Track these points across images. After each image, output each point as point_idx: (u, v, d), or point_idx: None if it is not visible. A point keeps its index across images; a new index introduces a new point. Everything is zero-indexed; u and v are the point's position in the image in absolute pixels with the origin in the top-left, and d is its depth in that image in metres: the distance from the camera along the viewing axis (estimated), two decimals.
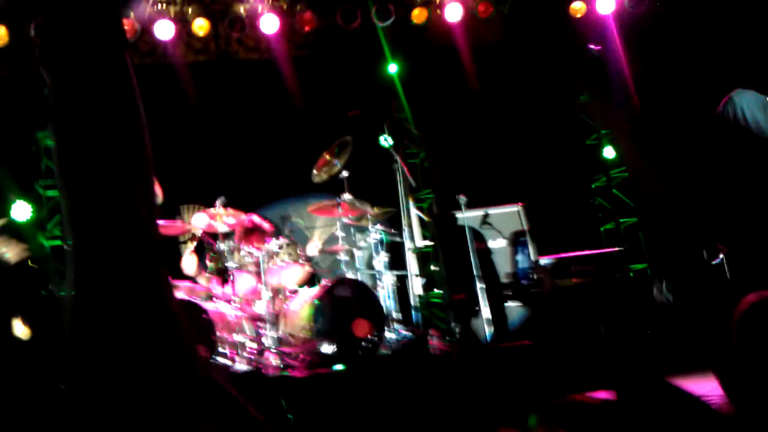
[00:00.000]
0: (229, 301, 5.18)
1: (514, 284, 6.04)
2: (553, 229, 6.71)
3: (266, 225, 5.60)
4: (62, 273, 6.10)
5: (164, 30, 6.76)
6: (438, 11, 7.29)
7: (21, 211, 6.34)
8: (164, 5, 6.85)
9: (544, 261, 5.79)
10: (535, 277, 5.86)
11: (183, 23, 6.97)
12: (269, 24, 6.96)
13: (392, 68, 7.34)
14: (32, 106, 6.34)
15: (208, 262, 5.29)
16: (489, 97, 7.39)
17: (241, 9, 7.05)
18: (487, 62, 7.29)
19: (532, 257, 6.05)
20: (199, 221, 5.26)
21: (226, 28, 7.07)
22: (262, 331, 5.11)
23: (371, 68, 7.34)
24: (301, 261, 5.37)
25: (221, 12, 7.10)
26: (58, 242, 6.45)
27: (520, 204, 6.33)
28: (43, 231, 6.53)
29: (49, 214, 6.66)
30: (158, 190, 5.18)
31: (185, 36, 7.08)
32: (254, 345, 4.96)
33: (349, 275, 5.47)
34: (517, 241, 6.16)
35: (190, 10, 6.99)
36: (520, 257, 6.14)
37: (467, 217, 5.92)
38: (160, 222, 5.10)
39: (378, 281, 5.52)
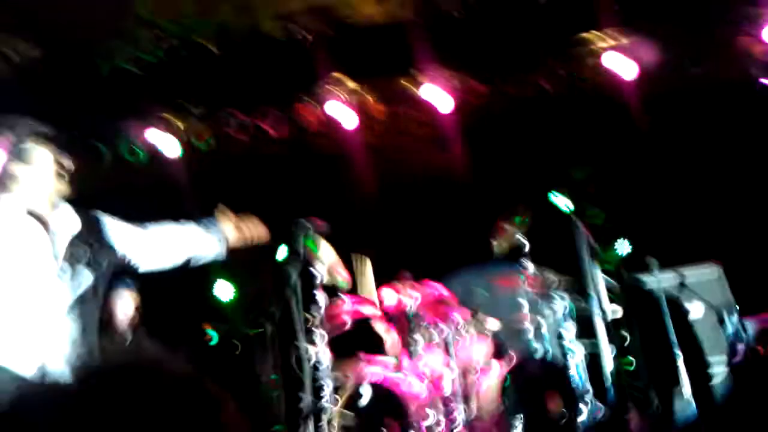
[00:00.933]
0: (419, 378, 5.26)
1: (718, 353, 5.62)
2: (757, 288, 6.20)
3: (451, 297, 5.67)
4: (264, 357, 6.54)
5: (345, 117, 7.19)
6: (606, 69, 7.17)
7: (226, 292, 6.92)
8: (345, 95, 7.29)
9: (751, 324, 5.37)
10: (745, 344, 5.43)
11: (362, 107, 7.36)
12: (442, 100, 7.19)
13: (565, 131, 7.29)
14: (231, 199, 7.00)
15: (399, 338, 5.43)
16: (671, 150, 7.08)
17: (413, 88, 7.37)
18: (664, 111, 7.04)
19: (738, 322, 5.62)
20: (388, 297, 5.44)
21: (400, 107, 7.42)
22: (452, 408, 5.12)
23: (545, 131, 7.34)
24: (487, 334, 5.37)
25: (395, 93, 7.46)
26: (261, 329, 6.98)
27: (717, 262, 5.94)
28: (246, 316, 7.07)
29: (252, 301, 7.19)
30: (346, 274, 5.45)
31: (363, 119, 7.49)
32: (445, 423, 4.99)
33: (537, 347, 5.38)
34: (719, 305, 5.75)
35: (369, 97, 7.40)
36: (724, 323, 5.71)
37: (660, 279, 5.64)
38: (354, 299, 5.35)
39: (567, 352, 5.37)
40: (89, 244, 3.23)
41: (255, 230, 3.93)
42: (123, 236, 3.47)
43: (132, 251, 3.52)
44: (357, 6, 6.81)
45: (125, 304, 4.92)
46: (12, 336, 2.95)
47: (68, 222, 3.25)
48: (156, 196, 7.08)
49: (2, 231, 3.05)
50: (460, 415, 5.00)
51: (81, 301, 3.16)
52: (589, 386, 5.30)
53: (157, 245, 3.61)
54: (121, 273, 3.71)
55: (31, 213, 3.15)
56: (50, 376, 2.95)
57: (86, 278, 3.21)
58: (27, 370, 2.93)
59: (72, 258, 3.16)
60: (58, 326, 3.05)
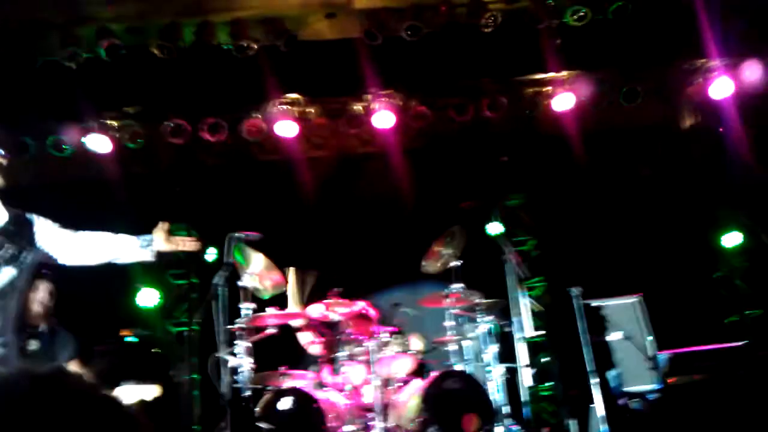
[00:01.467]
0: (339, 390, 5.28)
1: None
2: (674, 321, 6.43)
3: (372, 312, 5.72)
4: (182, 358, 6.51)
5: (287, 129, 7.21)
6: (546, 101, 7.39)
7: (148, 297, 6.83)
8: (288, 106, 7.31)
9: (663, 355, 5.55)
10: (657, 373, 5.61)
11: (305, 122, 7.41)
12: (384, 120, 7.28)
13: (502, 159, 7.45)
14: (163, 201, 6.94)
15: (321, 351, 5.45)
16: (602, 184, 7.33)
17: (358, 107, 7.44)
18: (598, 148, 7.27)
19: (650, 352, 5.81)
20: (314, 311, 5.46)
21: (345, 124, 7.47)
22: (370, 422, 5.15)
23: (482, 158, 7.49)
24: (410, 351, 5.43)
25: (339, 110, 7.52)
26: (184, 328, 6.89)
27: (638, 294, 6.14)
28: (170, 317, 6.98)
29: (174, 302, 7.12)
30: (280, 278, 5.46)
31: (306, 133, 7.52)
32: None
33: (458, 367, 5.46)
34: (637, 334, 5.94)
35: (311, 110, 7.44)
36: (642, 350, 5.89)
37: (582, 306, 5.78)
38: (280, 312, 5.35)
39: (487, 373, 5.46)
40: (13, 240, 3.21)
41: (186, 242, 3.96)
42: (49, 236, 3.48)
43: (56, 251, 3.53)
44: (307, 21, 6.86)
45: (41, 294, 4.80)
46: None
47: None
48: (82, 193, 6.97)
49: None
50: (377, 428, 5.02)
51: (4, 294, 3.12)
52: (506, 406, 5.39)
53: (82, 248, 3.63)
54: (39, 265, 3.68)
55: None
56: None
57: (6, 273, 3.18)
58: None
59: None
60: None
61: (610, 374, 5.85)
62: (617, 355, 5.94)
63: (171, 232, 3.93)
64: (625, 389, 5.75)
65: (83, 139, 6.86)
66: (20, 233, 3.29)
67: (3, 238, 3.19)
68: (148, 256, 3.87)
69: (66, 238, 3.57)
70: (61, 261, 3.60)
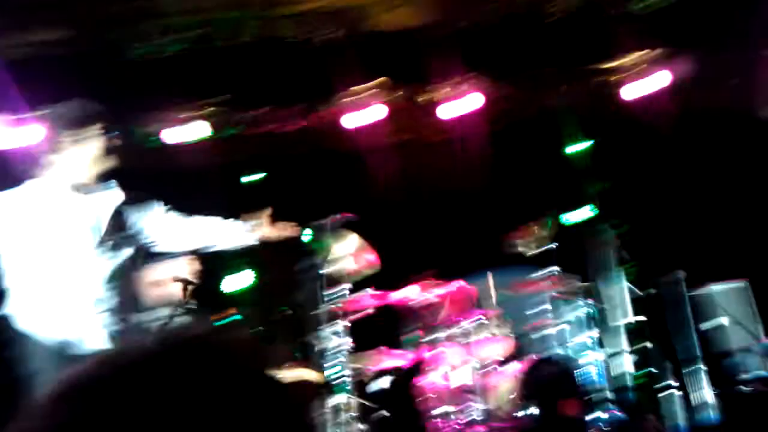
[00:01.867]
0: (436, 371, 5.26)
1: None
2: None
3: (474, 296, 5.68)
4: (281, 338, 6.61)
5: (360, 118, 7.23)
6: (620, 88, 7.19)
7: (242, 280, 6.99)
8: (361, 95, 7.30)
9: None
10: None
11: (376, 110, 7.36)
12: (454, 109, 7.22)
13: (583, 144, 7.31)
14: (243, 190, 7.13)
15: (418, 332, 5.45)
16: (700, 166, 7.04)
17: (428, 95, 7.40)
18: (694, 130, 7.01)
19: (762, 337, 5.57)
20: (412, 293, 5.46)
21: (415, 113, 7.45)
22: (468, 404, 5.12)
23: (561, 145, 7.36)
24: (508, 334, 5.37)
25: (409, 98, 7.47)
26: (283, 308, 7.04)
27: (744, 279, 5.89)
28: (268, 298, 7.11)
29: (272, 283, 7.25)
30: (377, 260, 5.49)
31: (378, 122, 7.51)
32: (461, 416, 4.98)
33: (557, 351, 5.36)
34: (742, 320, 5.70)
35: (382, 98, 7.40)
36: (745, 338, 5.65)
37: (687, 291, 5.61)
38: (377, 293, 5.38)
39: (585, 358, 5.34)
40: (129, 220, 3.33)
41: (283, 228, 4.04)
42: (159, 218, 3.61)
43: (166, 233, 3.65)
44: (373, 11, 6.83)
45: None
46: (54, 306, 3.04)
47: (111, 198, 3.35)
48: (173, 182, 7.17)
49: (46, 205, 3.14)
50: (474, 410, 4.98)
51: (119, 274, 3.24)
52: (608, 392, 5.26)
53: (190, 232, 3.74)
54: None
55: (75, 188, 3.24)
56: (89, 345, 3.04)
57: (125, 252, 3.30)
58: (68, 340, 3.01)
59: (113, 232, 3.25)
60: (97, 296, 3.13)
61: (725, 361, 5.63)
62: (724, 342, 5.71)
63: (273, 218, 4.01)
64: (739, 376, 5.52)
65: (173, 130, 7.06)
66: (134, 215, 3.41)
67: (119, 219, 3.31)
68: (252, 241, 3.96)
69: (176, 222, 3.69)
70: (168, 243, 3.71)
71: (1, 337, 3.13)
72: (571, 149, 7.45)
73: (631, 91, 7.13)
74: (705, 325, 5.62)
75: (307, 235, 6.99)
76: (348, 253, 5.46)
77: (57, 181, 3.22)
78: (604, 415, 4.95)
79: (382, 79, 7.29)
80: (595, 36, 6.86)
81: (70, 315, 3.06)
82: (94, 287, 3.13)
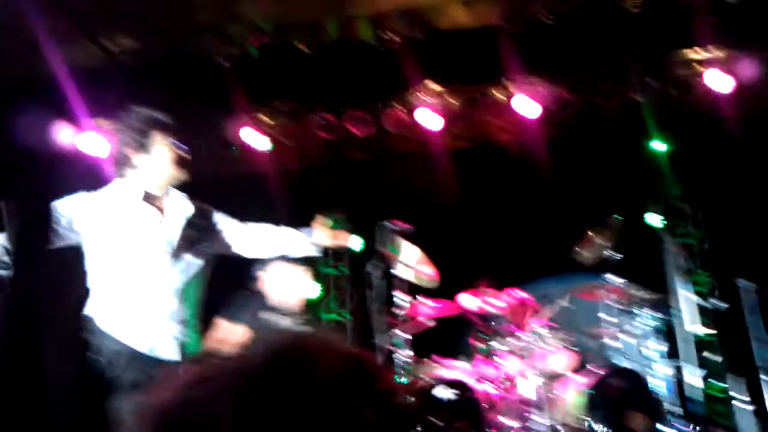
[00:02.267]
0: (495, 383, 5.18)
1: None
2: None
3: (533, 305, 5.58)
4: None
5: (429, 119, 7.17)
6: (704, 81, 6.92)
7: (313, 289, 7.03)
8: (429, 96, 7.27)
9: None
10: None
11: (447, 111, 7.33)
12: (526, 107, 7.08)
13: (659, 145, 7.08)
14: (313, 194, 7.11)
15: (476, 343, 5.37)
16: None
17: (499, 94, 7.28)
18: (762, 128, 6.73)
19: None
20: (468, 302, 5.39)
21: (486, 113, 7.34)
22: (528, 416, 5.02)
23: (638, 146, 7.15)
24: (570, 346, 5.25)
25: (480, 99, 7.39)
26: (335, 317, 7.05)
27: None
28: (322, 306, 7.16)
29: (326, 291, 7.30)
30: (436, 274, 5.43)
31: (447, 123, 7.45)
32: (519, 430, 4.89)
33: (622, 363, 5.22)
34: None
35: (452, 100, 7.35)
36: None
37: (754, 302, 5.38)
38: (437, 302, 5.32)
39: (652, 371, 5.18)
40: (199, 231, 3.37)
41: (345, 237, 4.05)
42: (228, 228, 3.65)
43: (234, 242, 3.71)
44: (445, 10, 6.80)
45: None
46: (127, 314, 3.09)
47: (182, 208, 3.38)
48: (245, 189, 7.25)
49: (119, 215, 3.19)
50: (536, 424, 4.88)
51: (190, 284, 3.29)
52: (677, 406, 5.09)
53: (255, 239, 3.78)
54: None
55: (147, 198, 3.28)
56: (160, 352, 3.09)
57: (195, 262, 3.34)
58: (141, 346, 3.06)
59: (184, 243, 3.29)
60: (168, 306, 3.17)
61: None
62: None
63: (332, 227, 4.03)
64: None
65: (239, 136, 7.14)
66: (203, 223, 3.44)
67: (192, 230, 3.35)
68: (313, 250, 3.98)
69: (243, 230, 3.72)
70: (238, 253, 3.75)
71: (82, 336, 3.18)
72: (649, 149, 7.22)
73: (714, 85, 6.81)
74: None
75: (358, 241, 7.03)
76: (408, 265, 5.41)
77: (130, 189, 3.27)
78: (673, 430, 4.79)
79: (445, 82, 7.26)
80: (675, 27, 6.65)
81: (145, 321, 3.11)
82: (166, 297, 3.18)
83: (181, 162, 3.42)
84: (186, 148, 3.42)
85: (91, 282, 3.17)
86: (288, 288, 5.23)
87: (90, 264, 3.19)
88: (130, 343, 3.08)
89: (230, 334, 4.64)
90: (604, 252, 5.55)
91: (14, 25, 5.65)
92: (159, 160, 3.33)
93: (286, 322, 5.03)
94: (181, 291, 3.26)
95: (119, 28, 6.53)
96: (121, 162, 3.33)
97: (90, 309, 3.15)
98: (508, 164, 7.45)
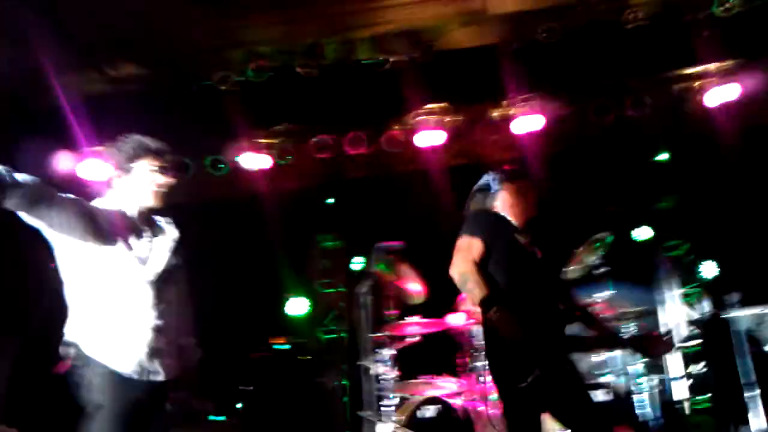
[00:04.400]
0: (481, 400, 5.26)
1: None
2: None
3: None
4: (332, 365, 6.75)
5: (427, 139, 7.27)
6: (697, 97, 6.97)
7: (298, 306, 7.14)
8: (426, 116, 7.38)
9: None
10: None
11: (445, 131, 7.42)
12: (523, 125, 7.16)
13: (652, 160, 7.14)
14: (312, 214, 7.22)
15: (463, 361, 5.46)
16: (761, 184, 6.79)
17: (496, 113, 7.38)
18: (757, 145, 6.76)
19: None
20: (455, 320, 5.49)
21: (483, 132, 7.43)
22: None
23: (629, 160, 7.20)
24: None
25: (477, 118, 7.49)
26: (333, 335, 7.14)
27: None
28: (320, 325, 7.26)
29: (323, 310, 7.39)
30: (421, 288, 5.55)
31: (447, 142, 7.56)
32: None
33: (605, 378, 5.27)
34: None
35: (449, 119, 7.45)
36: None
37: (742, 315, 5.40)
38: (423, 320, 5.42)
39: (637, 385, 5.23)
40: (180, 257, 3.45)
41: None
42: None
43: None
44: (443, 31, 6.91)
45: None
46: (114, 338, 3.15)
47: (167, 232, 3.48)
48: (236, 209, 7.41)
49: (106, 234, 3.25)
50: None
51: (172, 304, 3.36)
52: (658, 419, 5.14)
53: None
54: None
55: (132, 220, 3.37)
56: (148, 373, 3.16)
57: (179, 283, 3.42)
58: (129, 369, 3.14)
59: (168, 265, 3.38)
60: (154, 327, 3.25)
61: None
62: None
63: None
64: None
65: (237, 158, 7.28)
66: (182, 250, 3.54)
67: (174, 251, 3.45)
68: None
69: None
70: None
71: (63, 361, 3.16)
72: (643, 163, 7.29)
73: (711, 100, 6.86)
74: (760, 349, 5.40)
75: (358, 260, 7.17)
76: (397, 281, 5.54)
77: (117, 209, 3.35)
78: None
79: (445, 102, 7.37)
80: (674, 43, 6.71)
81: (128, 343, 3.15)
82: (150, 318, 3.23)
83: (164, 188, 3.46)
84: (174, 174, 3.45)
85: (72, 302, 3.17)
86: None
87: (69, 280, 3.19)
88: (120, 368, 3.11)
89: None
90: (593, 266, 5.62)
91: (18, 52, 5.88)
92: (143, 186, 3.39)
93: None
94: (164, 312, 3.31)
95: (121, 55, 6.75)
96: (107, 188, 3.42)
97: (72, 334, 3.15)
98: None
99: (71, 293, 3.20)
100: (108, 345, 3.12)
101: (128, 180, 3.36)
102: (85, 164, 6.96)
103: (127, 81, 6.80)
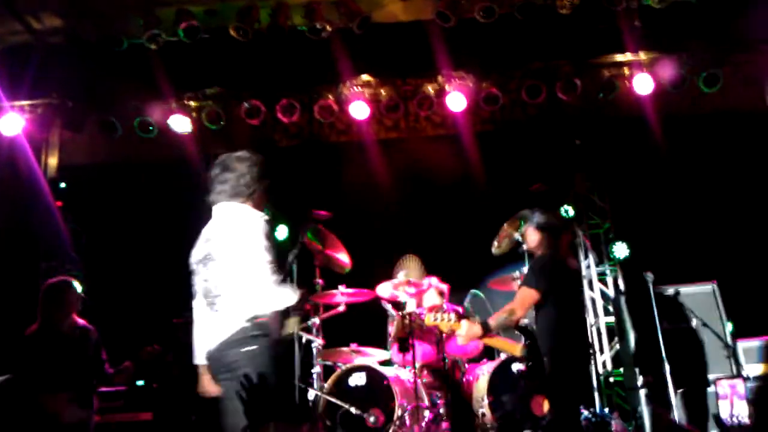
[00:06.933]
0: (407, 369, 5.34)
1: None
2: (752, 308, 6.21)
3: (443, 287, 5.74)
4: None
5: (360, 110, 7.26)
6: (626, 83, 7.19)
7: None
8: (360, 87, 7.36)
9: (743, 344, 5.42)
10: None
11: (377, 103, 7.45)
12: (456, 102, 7.23)
13: (576, 141, 7.34)
14: None
15: (390, 330, 5.52)
16: (679, 168, 7.11)
17: (430, 88, 7.42)
18: (675, 132, 7.06)
19: (728, 340, 5.64)
20: (383, 290, 5.53)
21: (416, 106, 7.47)
22: (438, 400, 5.20)
23: (555, 141, 7.39)
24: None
25: (411, 92, 7.53)
26: None
27: (713, 282, 5.96)
28: None
29: None
30: (347, 258, 5.56)
31: (378, 115, 7.58)
32: (430, 411, 5.06)
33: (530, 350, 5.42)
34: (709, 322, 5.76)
35: (383, 92, 7.46)
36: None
37: (656, 292, 5.64)
38: (350, 290, 5.43)
39: None
40: None
41: None
42: None
43: None
44: (380, 3, 6.87)
45: None
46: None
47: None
48: (164, 171, 7.22)
49: None
50: (445, 406, 5.06)
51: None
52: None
53: None
54: None
55: None
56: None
57: None
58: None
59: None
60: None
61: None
62: (693, 343, 5.78)
63: None
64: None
65: (167, 121, 7.09)
66: None
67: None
68: None
69: None
70: None
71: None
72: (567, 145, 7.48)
73: (637, 86, 7.04)
74: (672, 326, 5.68)
75: (282, 229, 7.11)
76: (321, 251, 5.54)
77: None
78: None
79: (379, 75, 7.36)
80: (601, 30, 6.87)
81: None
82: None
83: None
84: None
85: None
86: None
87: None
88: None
89: None
90: (517, 244, 5.75)
91: None
92: None
93: None
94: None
95: (45, 6, 6.43)
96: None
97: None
98: (436, 156, 7.59)
99: None
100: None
101: None
102: (5, 119, 6.62)
103: (51, 33, 6.50)
